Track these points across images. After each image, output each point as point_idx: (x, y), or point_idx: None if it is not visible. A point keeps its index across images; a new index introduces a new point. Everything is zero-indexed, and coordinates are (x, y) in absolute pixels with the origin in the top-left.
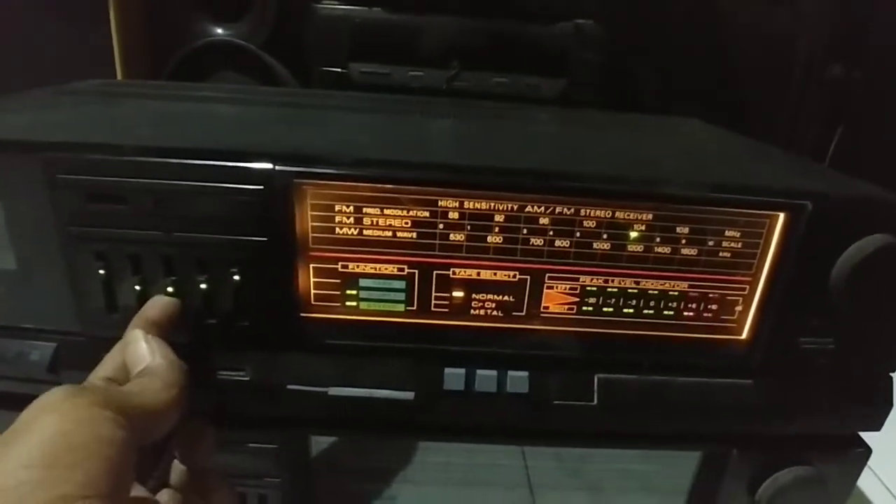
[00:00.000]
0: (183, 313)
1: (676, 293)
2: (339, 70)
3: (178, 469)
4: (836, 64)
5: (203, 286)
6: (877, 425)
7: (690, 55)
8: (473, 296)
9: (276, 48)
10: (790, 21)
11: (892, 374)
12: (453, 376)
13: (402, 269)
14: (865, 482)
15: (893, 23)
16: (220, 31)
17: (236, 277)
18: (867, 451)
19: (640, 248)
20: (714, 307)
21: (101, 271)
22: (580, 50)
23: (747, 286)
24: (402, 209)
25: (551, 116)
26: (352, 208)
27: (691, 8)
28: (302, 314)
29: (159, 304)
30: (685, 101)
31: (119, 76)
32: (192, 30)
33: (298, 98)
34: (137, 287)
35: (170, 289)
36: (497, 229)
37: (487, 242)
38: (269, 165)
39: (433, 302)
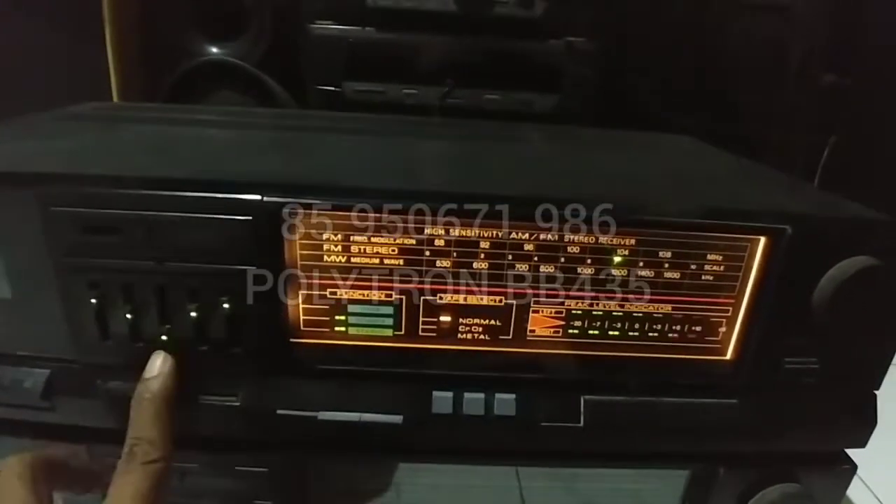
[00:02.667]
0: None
1: (661, 315)
2: (333, 89)
3: None
4: (828, 72)
5: (194, 314)
6: (861, 442)
7: (683, 68)
8: (460, 320)
9: (271, 67)
10: (782, 31)
11: (875, 392)
12: (441, 399)
13: (391, 295)
14: (855, 492)
15: (884, 31)
16: (215, 50)
17: (227, 305)
18: (853, 468)
19: (623, 272)
20: (698, 328)
21: (94, 300)
22: (572, 66)
23: (731, 308)
24: (389, 237)
25: (542, 135)
26: (340, 236)
27: (683, 20)
28: (292, 340)
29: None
30: (678, 113)
31: (115, 96)
32: (188, 49)
33: (291, 120)
34: (129, 316)
35: (164, 337)
36: (483, 255)
37: (474, 268)
38: (257, 197)
39: (421, 327)
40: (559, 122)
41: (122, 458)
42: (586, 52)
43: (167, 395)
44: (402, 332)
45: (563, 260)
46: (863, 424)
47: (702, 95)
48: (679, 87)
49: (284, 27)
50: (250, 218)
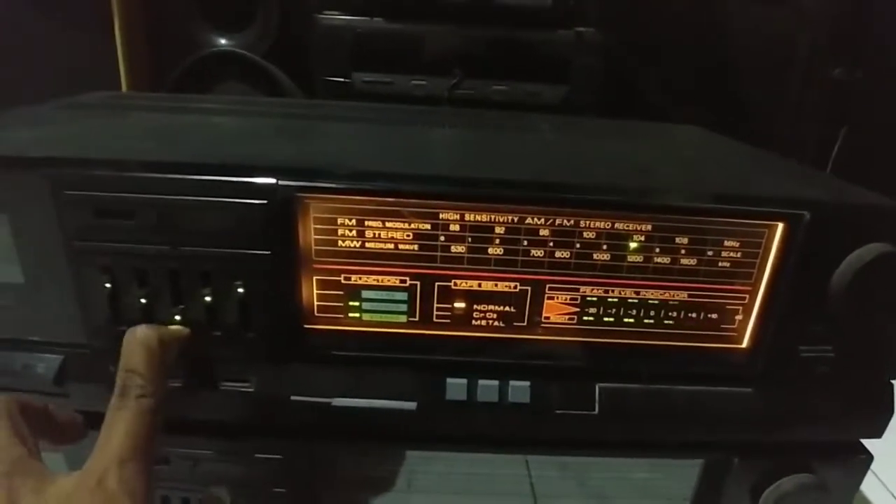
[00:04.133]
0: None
1: (676, 302)
2: (341, 79)
3: None
4: (838, 65)
5: (208, 299)
6: (878, 432)
7: (692, 59)
8: (475, 306)
9: (279, 58)
10: (791, 23)
11: (892, 382)
12: (455, 386)
13: (405, 281)
14: (868, 486)
15: (894, 23)
16: (223, 41)
17: (241, 290)
18: (869, 458)
19: (639, 258)
20: (714, 316)
21: (107, 285)
22: (581, 57)
23: (747, 295)
24: (404, 221)
25: (551, 125)
26: (354, 221)
27: (692, 12)
28: (306, 326)
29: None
30: (687, 105)
31: (124, 86)
32: (195, 40)
33: (300, 109)
34: (143, 300)
35: (178, 317)
36: (497, 241)
37: (488, 254)
38: (272, 180)
39: (435, 313)
40: (568, 114)
41: (115, 393)
42: (596, 42)
43: (162, 341)
44: (416, 319)
45: (578, 245)
46: (879, 414)
47: (711, 88)
48: (688, 80)
49: (292, 18)
50: (265, 202)
